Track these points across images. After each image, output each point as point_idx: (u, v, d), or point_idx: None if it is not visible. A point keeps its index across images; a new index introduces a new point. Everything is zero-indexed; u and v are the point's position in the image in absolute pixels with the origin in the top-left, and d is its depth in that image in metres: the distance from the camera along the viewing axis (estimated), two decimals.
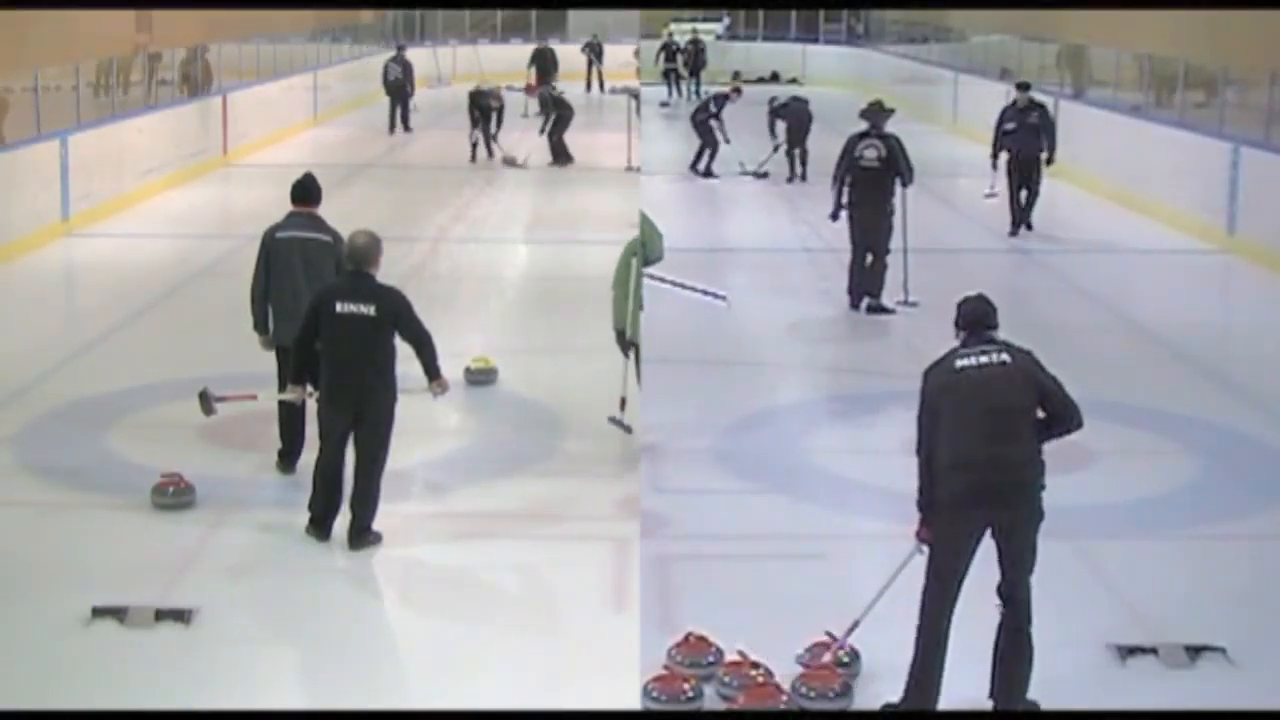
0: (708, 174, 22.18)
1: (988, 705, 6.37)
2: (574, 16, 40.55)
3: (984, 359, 6.39)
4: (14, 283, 14.92)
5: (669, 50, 35.38)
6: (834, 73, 38.33)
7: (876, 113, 13.72)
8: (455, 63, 37.16)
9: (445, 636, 7.27)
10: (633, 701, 6.41)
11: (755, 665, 6.56)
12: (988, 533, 6.28)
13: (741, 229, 19.08)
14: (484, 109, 23.46)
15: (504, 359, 11.53)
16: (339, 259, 8.83)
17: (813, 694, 6.41)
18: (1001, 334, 6.63)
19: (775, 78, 25.61)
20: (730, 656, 6.67)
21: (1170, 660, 6.85)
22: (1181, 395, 11.09)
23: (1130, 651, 6.96)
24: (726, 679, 6.54)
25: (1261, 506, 9.15)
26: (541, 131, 23.51)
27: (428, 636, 7.31)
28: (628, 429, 10.07)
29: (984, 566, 6.32)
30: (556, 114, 23.44)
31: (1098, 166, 20.71)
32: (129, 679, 6.76)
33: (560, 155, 23.39)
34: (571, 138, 23.65)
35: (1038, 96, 18.14)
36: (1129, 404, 10.73)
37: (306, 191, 9.34)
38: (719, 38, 41.36)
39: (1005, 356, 6.39)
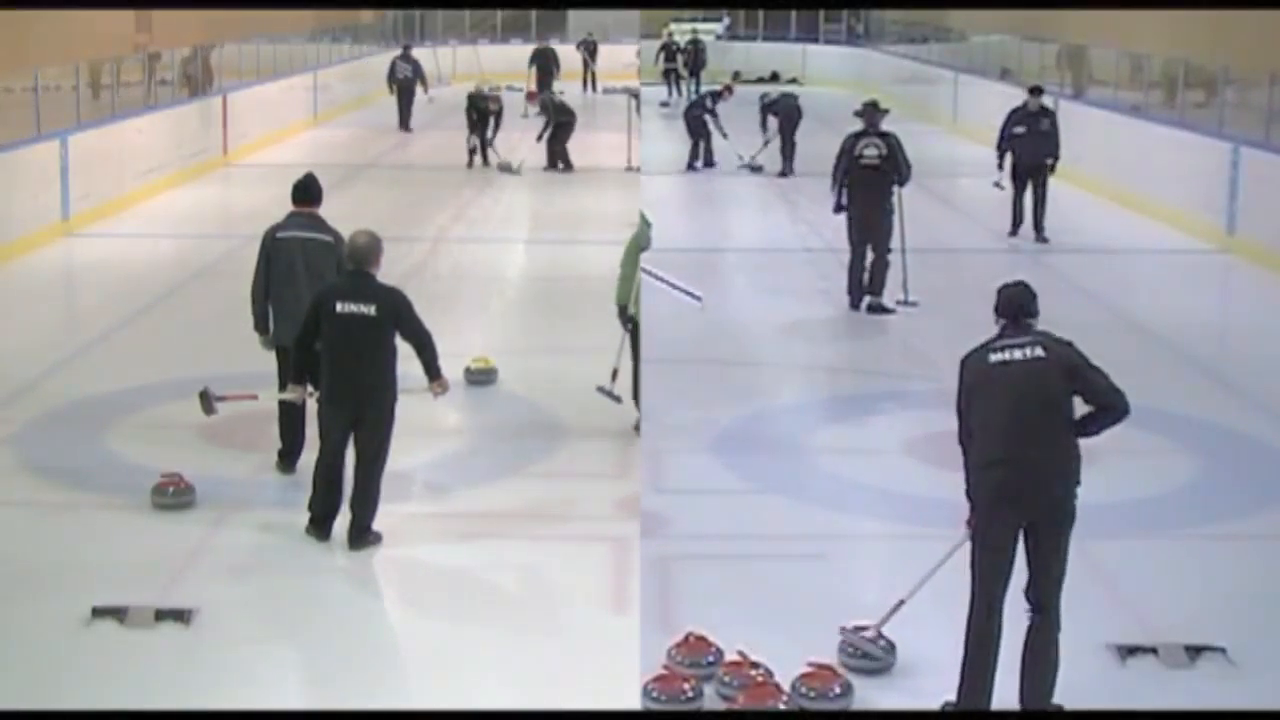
0: (708, 164, 22.92)
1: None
2: (574, 16, 40.55)
3: (1018, 354, 6.30)
4: (14, 283, 14.92)
5: (669, 50, 35.38)
6: (834, 73, 38.33)
7: (873, 111, 13.72)
8: (455, 63, 37.18)
9: (445, 636, 7.27)
10: (633, 701, 6.41)
11: (755, 665, 6.56)
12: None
13: (741, 229, 19.09)
14: (482, 112, 22.92)
15: (504, 359, 11.53)
16: (340, 259, 8.83)
17: (813, 694, 6.41)
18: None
19: (775, 78, 25.67)
20: (730, 656, 6.67)
21: (1170, 660, 6.85)
22: (1181, 395, 11.09)
23: (1130, 651, 6.96)
24: (726, 679, 6.54)
25: (1261, 506, 9.15)
26: (539, 138, 22.79)
27: (428, 636, 7.31)
28: (617, 399, 10.20)
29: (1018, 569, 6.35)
30: (557, 120, 22.76)
31: (1098, 166, 20.70)
32: (129, 679, 6.76)
33: (561, 162, 22.66)
34: (581, 138, 23.51)
35: (1048, 102, 17.85)
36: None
37: (307, 191, 9.33)
38: (719, 38, 41.36)
39: (1040, 350, 6.30)
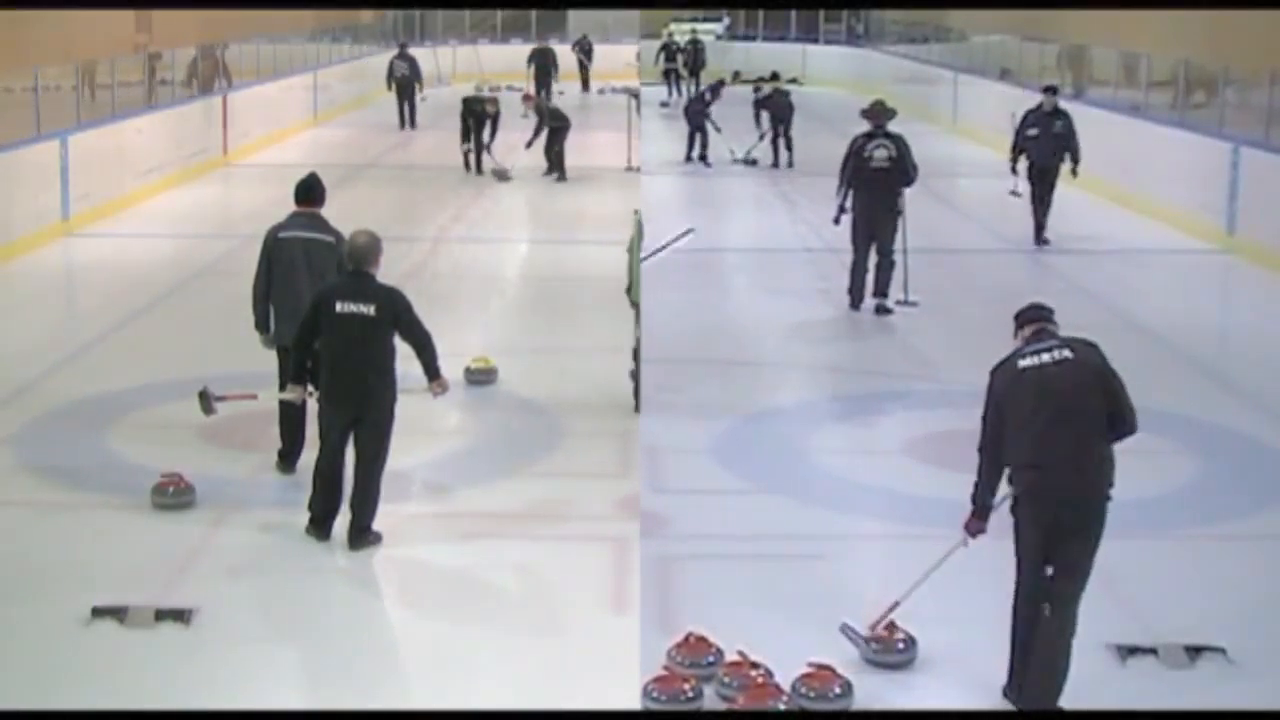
0: (703, 160, 23.57)
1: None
2: (574, 16, 40.54)
3: (1046, 357, 6.38)
4: (14, 283, 14.93)
5: (669, 50, 35.39)
6: (834, 73, 38.34)
7: (880, 112, 13.67)
8: (455, 63, 37.19)
9: (445, 636, 7.27)
10: (633, 701, 6.42)
11: (755, 665, 6.56)
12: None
13: (741, 229, 19.08)
14: (478, 115, 22.08)
15: (504, 359, 11.53)
16: (340, 259, 8.84)
17: (813, 694, 6.41)
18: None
19: (775, 77, 25.85)
20: (730, 656, 6.67)
21: (1170, 660, 6.85)
22: (1181, 395, 11.09)
23: (1130, 651, 6.96)
24: (726, 679, 6.54)
25: (1261, 506, 9.15)
26: (528, 145, 22.00)
27: (428, 636, 7.31)
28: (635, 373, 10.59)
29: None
30: (551, 126, 21.93)
31: (1098, 166, 20.67)
32: (129, 679, 6.76)
33: (555, 169, 21.84)
34: (578, 138, 23.45)
35: (1062, 104, 17.42)
36: None
37: (310, 191, 9.33)
38: (719, 38, 41.37)
39: (1068, 353, 6.38)
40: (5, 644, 7.06)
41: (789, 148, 23.23)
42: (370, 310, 8.01)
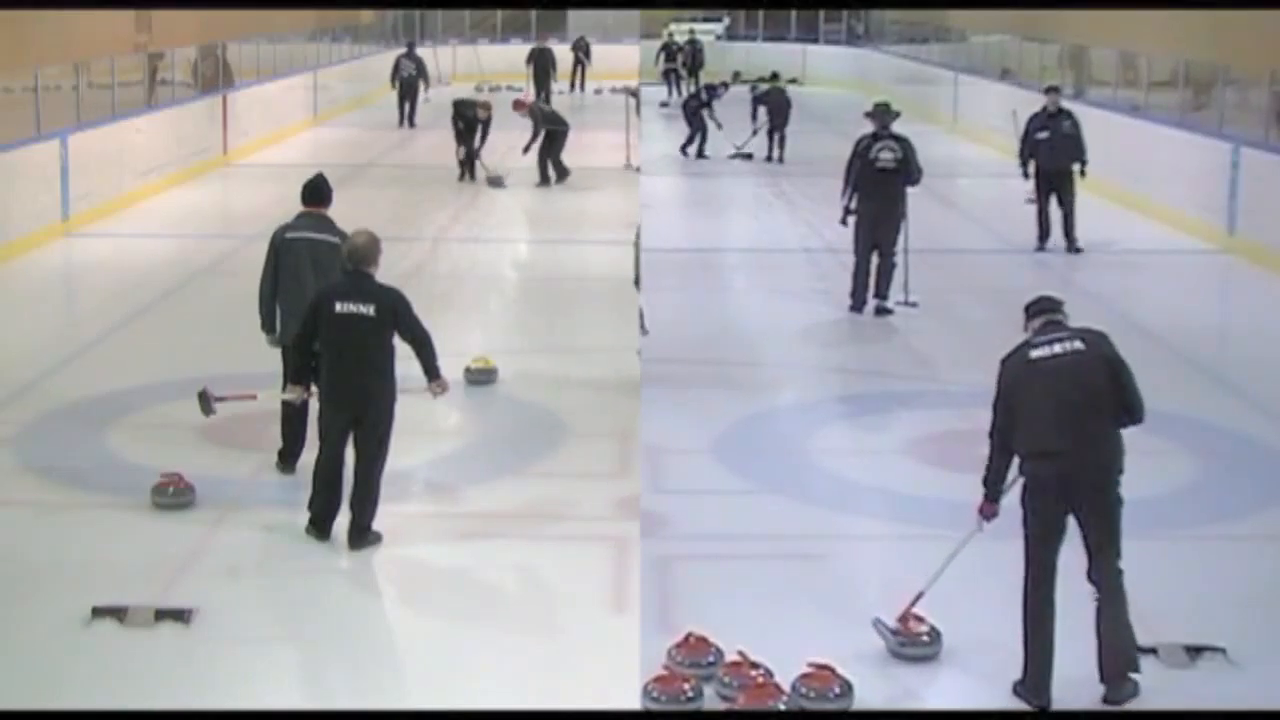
0: (700, 155, 24.16)
1: (1099, 688, 6.47)
2: (574, 16, 40.53)
3: (1058, 348, 6.51)
4: (14, 283, 14.92)
5: (669, 50, 35.38)
6: (834, 73, 38.34)
7: (884, 113, 13.65)
8: (455, 62, 37.18)
9: (445, 636, 7.27)
10: (633, 702, 6.41)
11: (755, 665, 6.56)
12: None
13: (741, 229, 19.08)
14: (469, 120, 21.20)
15: (504, 359, 11.52)
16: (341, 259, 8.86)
17: (813, 694, 6.41)
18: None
19: (775, 77, 26.02)
20: (730, 656, 6.67)
21: (1170, 660, 6.85)
22: (1182, 395, 11.08)
23: None
24: (726, 679, 6.54)
25: (1262, 507, 9.15)
26: (525, 150, 21.23)
27: (428, 636, 7.31)
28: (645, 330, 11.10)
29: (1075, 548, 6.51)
30: (549, 130, 21.10)
31: (1098, 167, 20.65)
32: (129, 679, 6.76)
33: (555, 172, 21.13)
34: (575, 138, 23.34)
35: (1065, 103, 17.10)
36: None
37: (317, 192, 9.35)
38: (719, 38, 41.36)
39: (1079, 344, 6.52)
40: (5, 644, 7.06)
41: (781, 143, 23.87)
42: (370, 310, 8.01)
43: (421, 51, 30.60)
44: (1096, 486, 6.44)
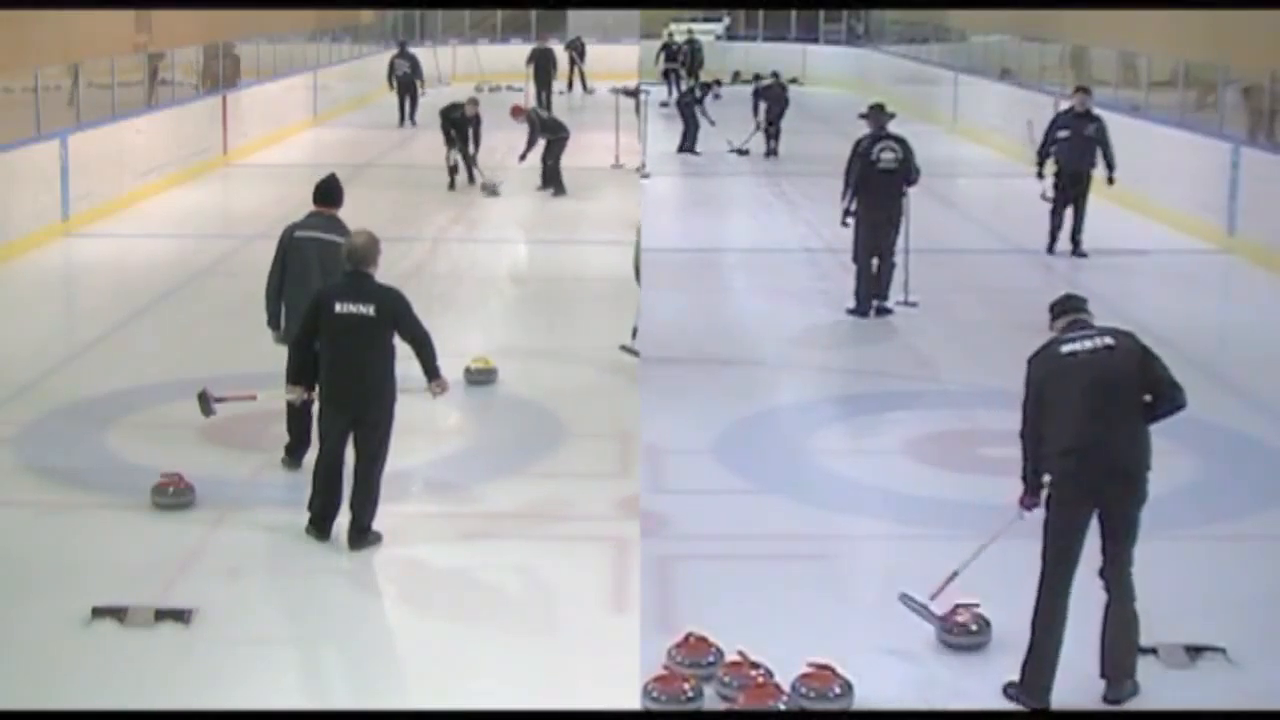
0: (691, 151, 24.71)
1: (1099, 684, 6.49)
2: (574, 16, 40.53)
3: (1088, 344, 6.57)
4: (14, 283, 14.92)
5: (669, 50, 35.38)
6: (834, 73, 38.33)
7: (880, 114, 13.65)
8: (455, 63, 37.18)
9: (445, 636, 7.27)
10: (633, 702, 6.42)
11: (755, 665, 6.56)
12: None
13: (741, 229, 19.08)
14: (457, 122, 20.51)
15: (504, 359, 11.52)
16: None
17: (813, 694, 6.41)
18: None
19: (775, 77, 26.28)
20: (730, 656, 6.67)
21: (1170, 660, 6.85)
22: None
23: None
24: (726, 679, 6.54)
25: (1262, 507, 9.16)
26: (522, 158, 20.76)
27: (428, 636, 7.31)
28: (636, 353, 11.10)
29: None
30: (547, 137, 20.52)
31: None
32: (129, 679, 6.76)
33: (553, 181, 20.57)
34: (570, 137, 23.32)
35: (1094, 108, 16.50)
36: None
37: (329, 192, 9.40)
38: (719, 38, 41.35)
39: (1109, 340, 6.58)
40: (5, 644, 7.06)
41: (776, 136, 24.48)
42: (369, 310, 8.01)
43: (421, 51, 30.68)
44: (1125, 482, 6.48)
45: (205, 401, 8.98)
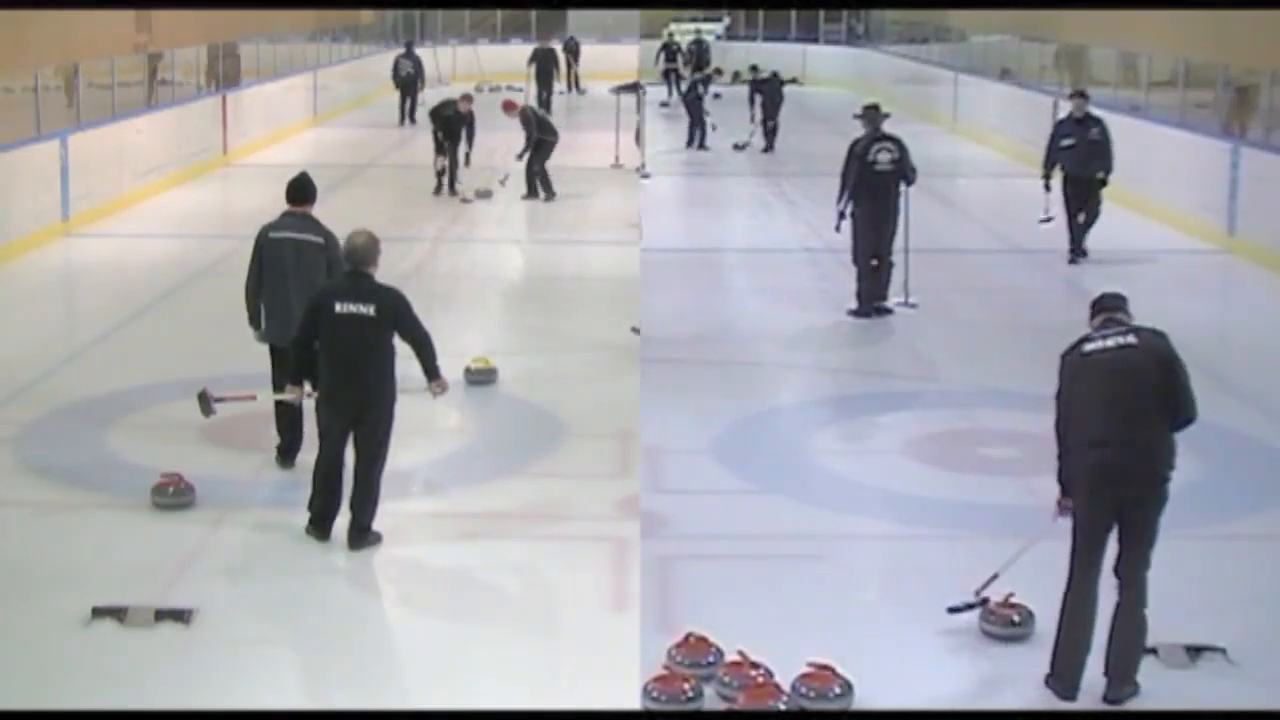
0: (701, 147, 25.53)
1: (1099, 684, 6.50)
2: (574, 16, 40.53)
3: (1110, 342, 6.63)
4: (14, 283, 14.92)
5: (669, 50, 35.37)
6: (834, 73, 38.33)
7: (876, 114, 13.64)
8: (455, 63, 37.17)
9: (445, 636, 7.27)
10: (633, 702, 6.41)
11: (755, 665, 6.56)
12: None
13: (741, 229, 19.08)
14: (448, 121, 19.78)
15: (504, 359, 11.52)
16: (330, 260, 8.90)
17: (813, 694, 6.41)
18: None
19: (775, 77, 26.48)
20: (730, 656, 6.67)
21: (1170, 660, 6.85)
22: None
23: None
24: (726, 679, 6.54)
25: (1261, 506, 9.16)
26: (520, 157, 19.98)
27: (428, 636, 7.31)
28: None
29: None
30: (539, 139, 19.76)
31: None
32: (129, 679, 6.76)
33: (542, 188, 19.85)
34: (568, 137, 23.24)
35: (1094, 110, 16.22)
36: None
37: (302, 191, 9.38)
38: (719, 38, 41.33)
39: (1132, 339, 6.63)
40: (5, 644, 7.06)
41: (773, 132, 25.19)
42: (369, 310, 8.01)
43: (421, 52, 30.70)
44: (1144, 481, 6.52)
45: (205, 401, 8.97)
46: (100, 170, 18.20)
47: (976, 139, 26.89)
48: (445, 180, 20.13)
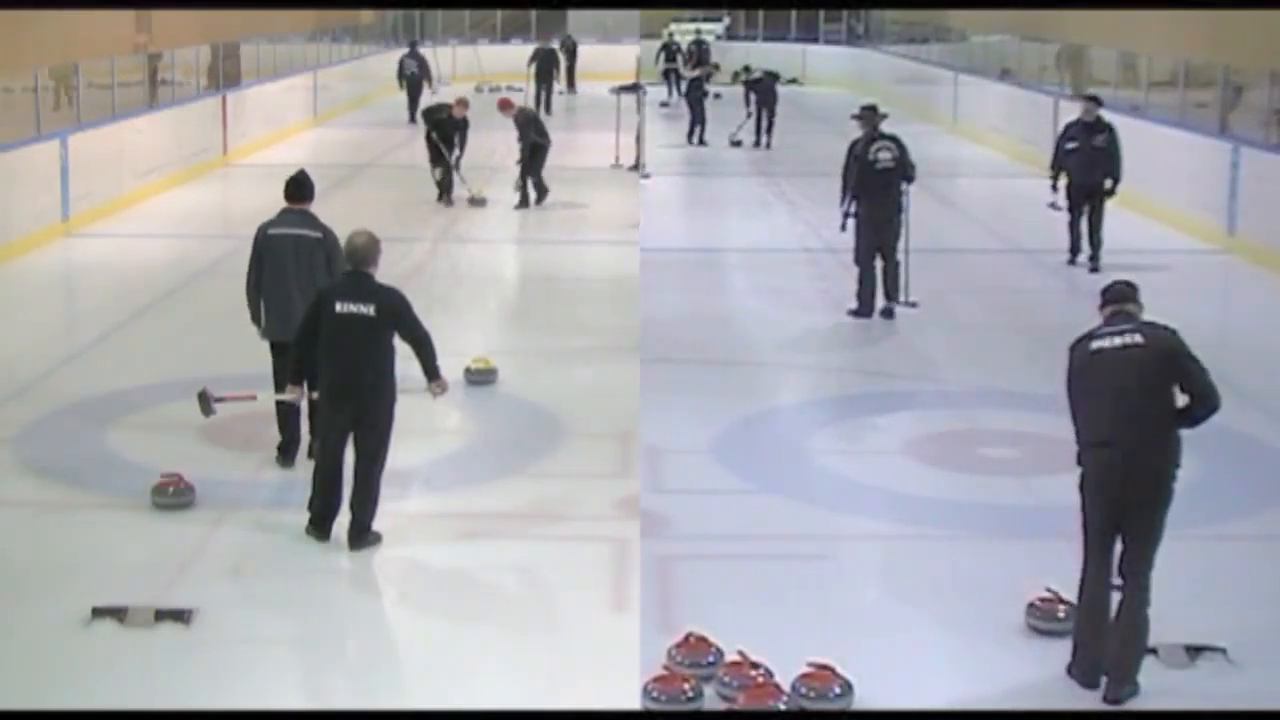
0: (701, 142, 26.19)
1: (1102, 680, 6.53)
2: (574, 16, 40.54)
3: (1118, 340, 6.64)
4: (14, 283, 14.92)
5: (669, 50, 35.38)
6: (834, 73, 38.33)
7: (873, 114, 13.64)
8: (455, 63, 37.17)
9: (445, 636, 7.27)
10: (633, 702, 6.42)
11: (755, 665, 6.56)
12: None
13: (741, 229, 19.06)
14: (441, 125, 19.37)
15: (504, 359, 11.53)
16: (328, 256, 8.92)
17: (813, 694, 6.41)
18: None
19: (768, 76, 26.70)
20: (730, 656, 6.67)
21: (1170, 660, 6.85)
22: (1182, 395, 11.06)
23: None
24: (726, 679, 6.54)
25: (1261, 506, 9.16)
26: (519, 161, 19.50)
27: (428, 636, 7.31)
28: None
29: None
30: (534, 141, 19.22)
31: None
32: (129, 679, 6.76)
33: (536, 192, 19.45)
34: (567, 137, 23.28)
35: (1105, 115, 15.90)
36: None
37: (299, 188, 9.41)
38: (719, 38, 41.34)
39: (1139, 337, 6.64)
40: (5, 644, 7.06)
41: (769, 130, 25.81)
42: (370, 310, 8.01)
43: (423, 51, 30.71)
44: (1149, 480, 6.54)
45: (205, 401, 8.98)
46: (100, 170, 18.20)
47: (976, 139, 26.89)
48: (446, 189, 19.67)
